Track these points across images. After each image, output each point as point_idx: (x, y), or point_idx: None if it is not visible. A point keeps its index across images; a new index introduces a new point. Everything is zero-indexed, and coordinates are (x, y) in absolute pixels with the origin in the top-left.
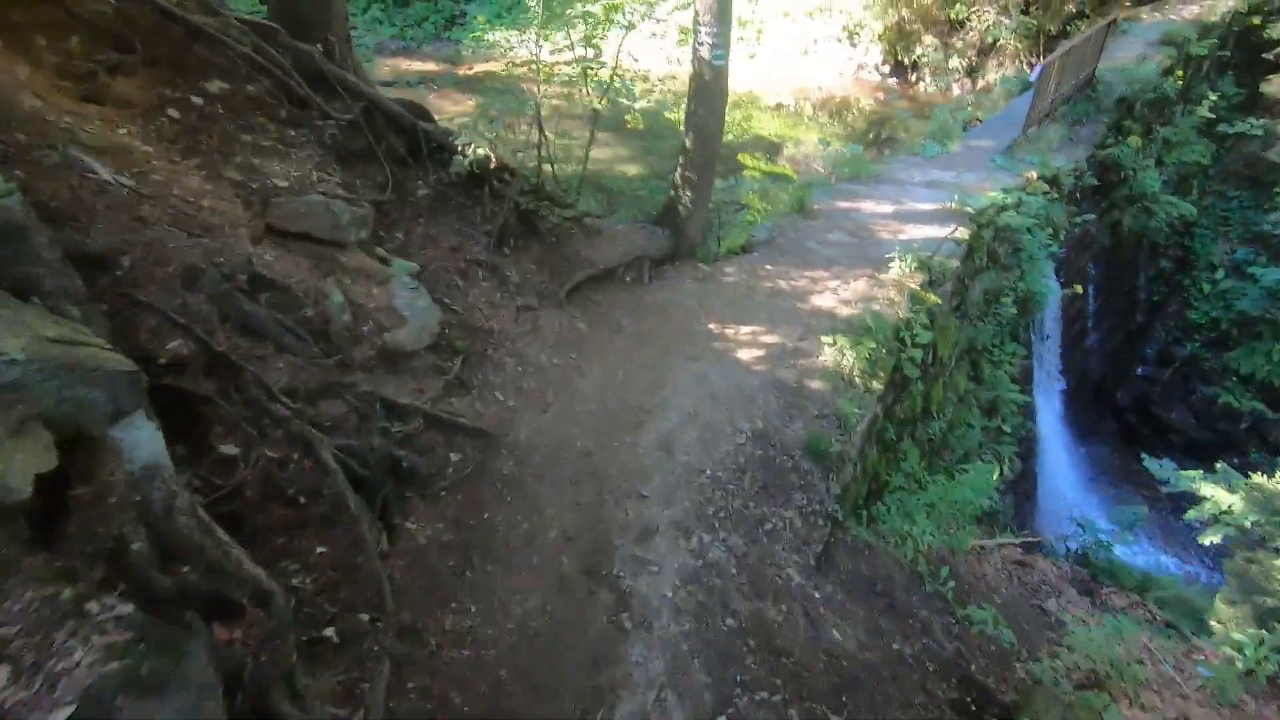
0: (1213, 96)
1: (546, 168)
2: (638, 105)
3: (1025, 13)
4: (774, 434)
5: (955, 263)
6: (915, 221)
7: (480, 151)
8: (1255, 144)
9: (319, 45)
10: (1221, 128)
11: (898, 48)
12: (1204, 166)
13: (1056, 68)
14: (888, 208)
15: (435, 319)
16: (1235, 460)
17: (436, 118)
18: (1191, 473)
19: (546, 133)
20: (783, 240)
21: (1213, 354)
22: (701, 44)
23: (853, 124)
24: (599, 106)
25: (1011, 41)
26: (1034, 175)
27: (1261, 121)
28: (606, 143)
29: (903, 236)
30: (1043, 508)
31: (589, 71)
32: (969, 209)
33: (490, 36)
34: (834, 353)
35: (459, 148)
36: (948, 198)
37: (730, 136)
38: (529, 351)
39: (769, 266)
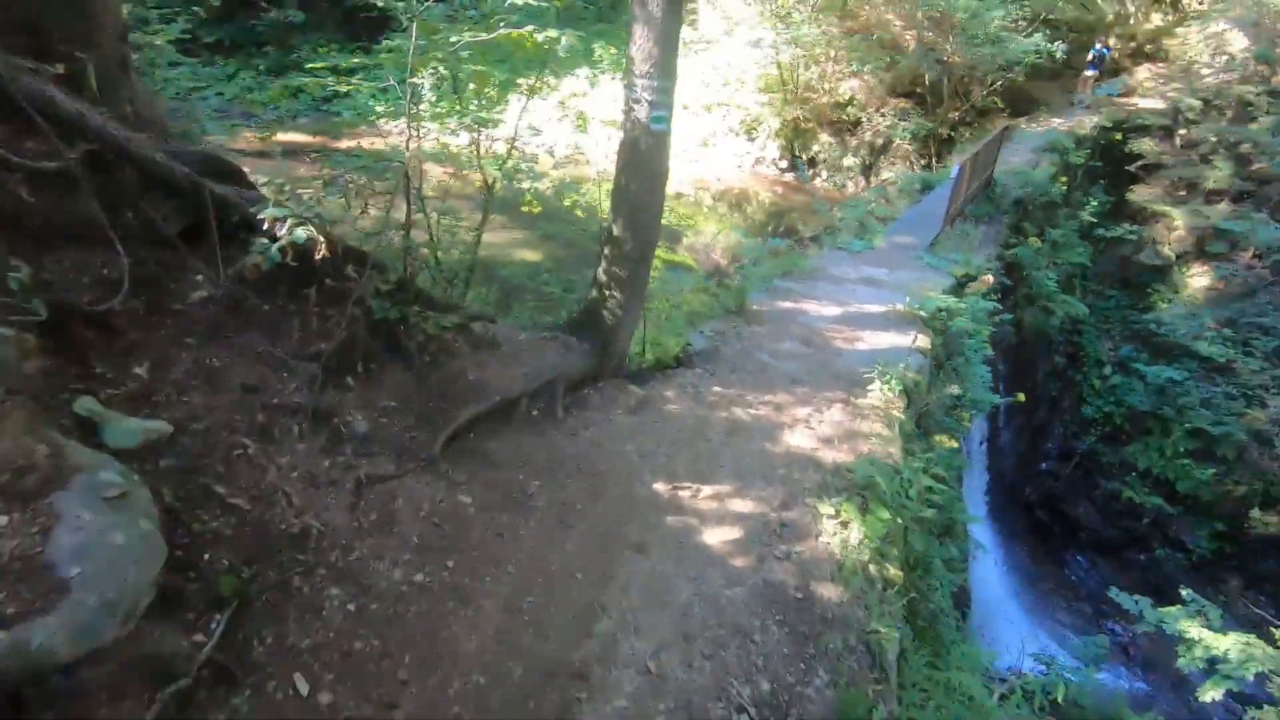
0: (1093, 202)
1: (427, 252)
2: (536, 185)
3: (920, 116)
4: (789, 704)
5: (924, 378)
6: (867, 326)
7: (302, 232)
8: (1128, 248)
9: (58, 65)
10: (1099, 231)
11: (795, 144)
12: (1085, 268)
13: (968, 169)
14: (833, 309)
15: (153, 564)
16: (1142, 556)
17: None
18: (1170, 609)
19: (428, 210)
20: (727, 350)
21: (1109, 449)
22: (638, 102)
23: (752, 215)
24: (496, 174)
25: (905, 142)
26: (968, 273)
27: (1134, 227)
28: (500, 225)
29: (861, 345)
30: (975, 621)
31: (481, 143)
32: (921, 312)
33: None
34: (836, 529)
35: (270, 225)
36: (893, 298)
37: None
38: (374, 569)
39: (719, 388)
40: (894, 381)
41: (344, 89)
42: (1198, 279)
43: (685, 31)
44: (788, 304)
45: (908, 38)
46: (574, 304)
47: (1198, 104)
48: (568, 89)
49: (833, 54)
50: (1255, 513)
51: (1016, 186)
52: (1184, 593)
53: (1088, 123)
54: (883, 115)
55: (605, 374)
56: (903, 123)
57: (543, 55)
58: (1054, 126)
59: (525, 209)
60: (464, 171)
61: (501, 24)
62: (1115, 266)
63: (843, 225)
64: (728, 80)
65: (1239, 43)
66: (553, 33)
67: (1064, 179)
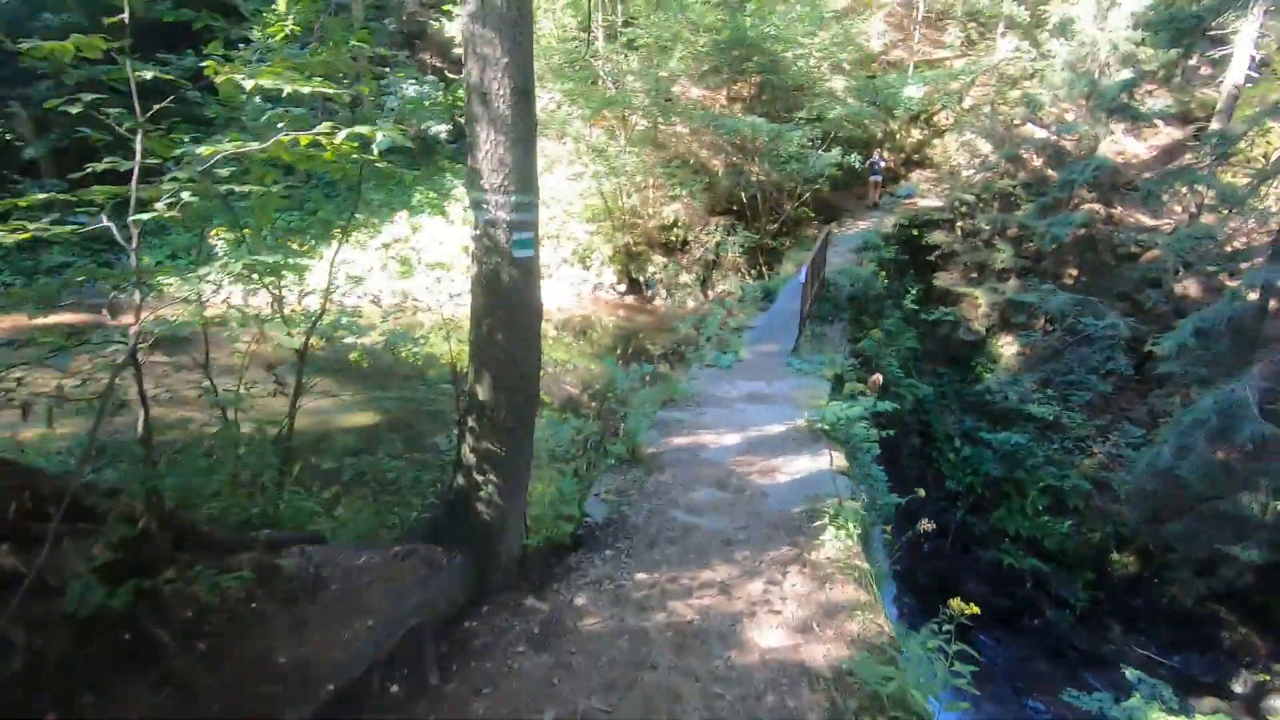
0: (912, 291)
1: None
2: (362, 341)
3: (744, 229)
4: None
5: (860, 502)
6: (777, 451)
7: None
8: (946, 327)
9: None
10: (922, 316)
11: (630, 268)
12: (916, 350)
13: (811, 273)
14: (733, 437)
15: None
16: (1035, 621)
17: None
18: (1133, 703)
19: (219, 390)
20: (635, 515)
21: (978, 519)
22: (493, 224)
23: (599, 341)
24: (295, 335)
25: (735, 255)
26: (837, 373)
27: (948, 309)
28: (326, 389)
29: (781, 478)
30: None
31: (285, 299)
32: (823, 425)
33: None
34: None
35: None
36: (788, 413)
37: (463, 365)
38: None
39: (643, 574)
40: (849, 525)
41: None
42: (1008, 347)
43: None
44: (683, 439)
45: (716, 163)
46: (430, 489)
47: (970, 198)
48: (390, 234)
49: (652, 181)
50: (1114, 556)
51: (848, 284)
52: (1129, 674)
53: (888, 222)
54: (708, 233)
55: (493, 589)
56: (730, 237)
57: (350, 168)
58: (860, 229)
59: (354, 360)
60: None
61: (281, 126)
62: (939, 346)
63: (703, 341)
64: (554, 215)
65: (985, 147)
66: (365, 129)
67: (883, 273)
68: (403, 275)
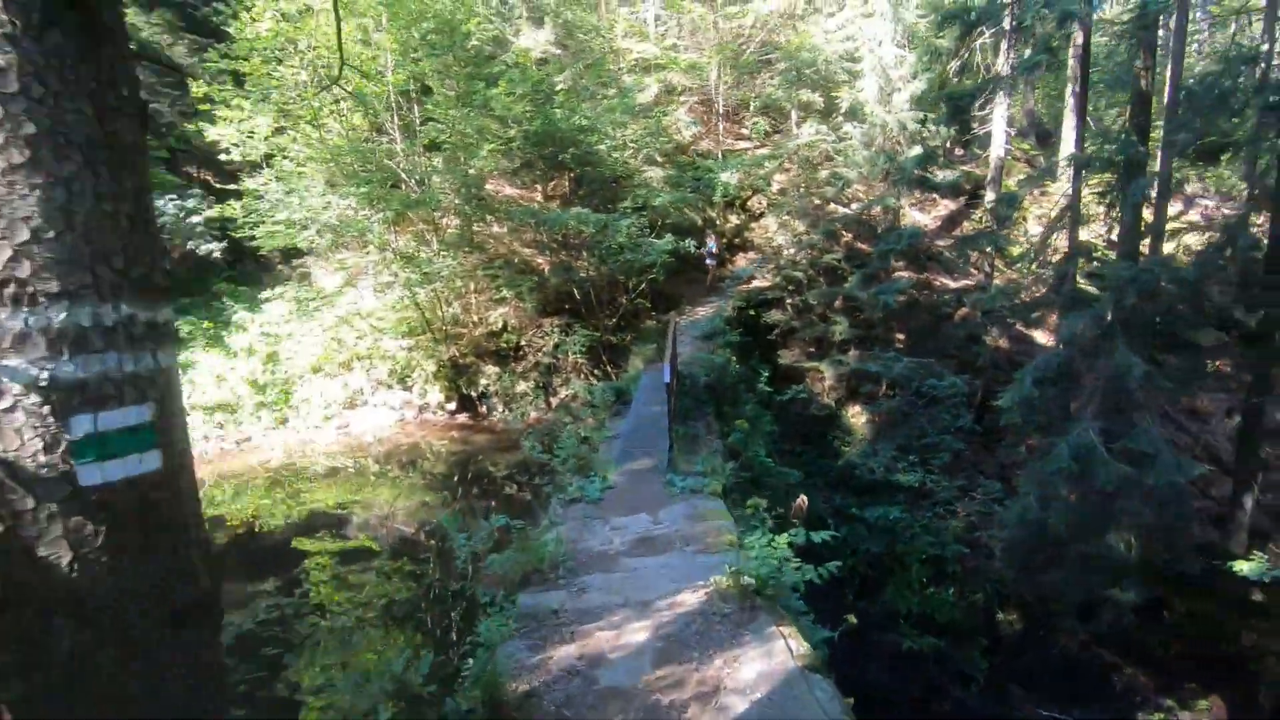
0: (764, 373)
1: None
2: None
3: (581, 327)
4: None
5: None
6: (705, 648)
7: None
8: (799, 404)
9: None
10: (777, 397)
11: (459, 383)
12: (774, 432)
13: (673, 369)
14: (636, 629)
15: None
16: (946, 705)
17: None
18: None
19: None
20: None
21: (869, 602)
22: None
23: (432, 470)
24: None
25: (576, 357)
26: (725, 484)
27: (800, 387)
28: None
29: (733, 707)
30: None
31: None
32: (751, 582)
33: None
34: None
35: None
36: (697, 569)
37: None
38: None
39: None
40: None
41: None
42: (858, 417)
43: (295, 289)
44: (566, 650)
45: (541, 262)
46: None
47: (800, 275)
48: None
49: (473, 286)
50: (1000, 616)
51: (703, 375)
52: None
53: (726, 306)
54: (543, 335)
55: None
56: (567, 337)
57: None
58: (702, 315)
59: None
60: None
61: None
62: (793, 424)
63: (559, 465)
64: (362, 333)
65: (802, 226)
66: None
67: (733, 358)
68: None
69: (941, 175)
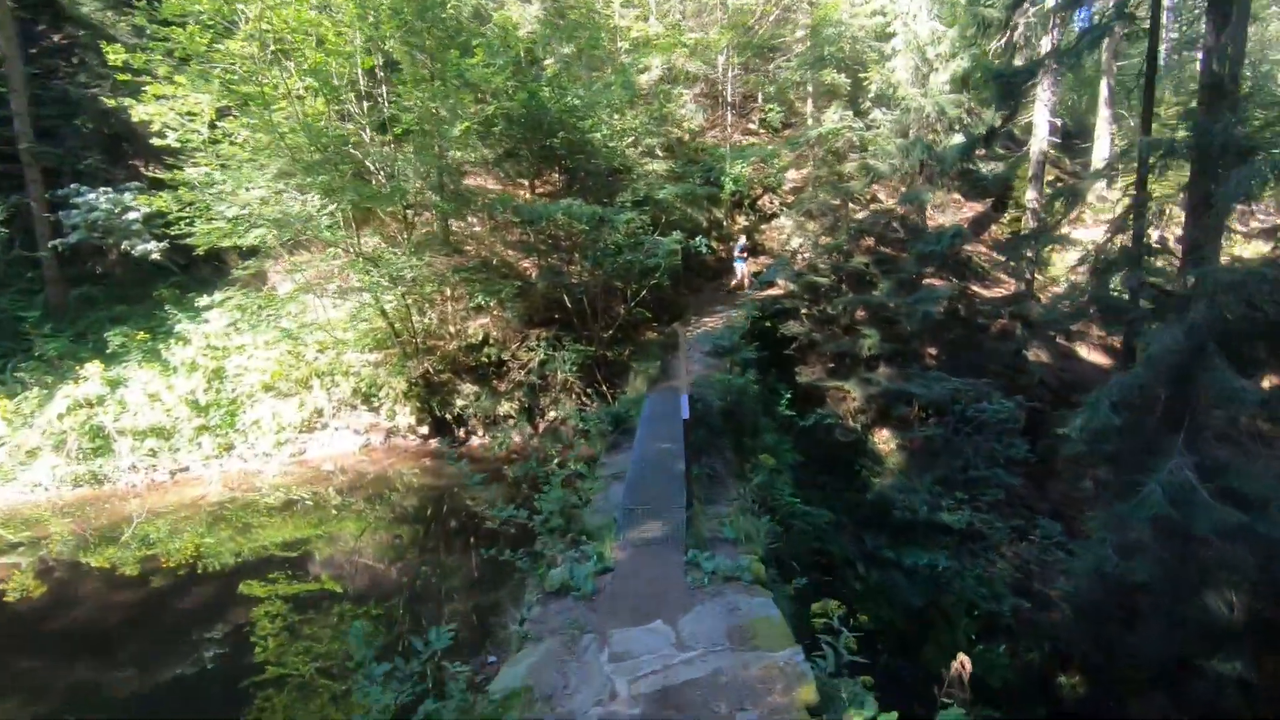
0: (785, 395)
1: None
2: None
3: (573, 341)
4: None
5: None
6: None
7: None
8: (821, 431)
9: None
10: (800, 422)
11: (432, 403)
12: (796, 464)
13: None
14: None
15: None
16: None
17: None
18: None
19: None
20: None
21: (908, 663)
22: None
23: (400, 502)
24: None
25: (567, 375)
26: (761, 559)
27: (825, 410)
28: None
29: None
30: None
31: None
32: None
33: None
34: None
35: None
36: None
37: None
38: None
39: None
40: None
41: None
42: (886, 444)
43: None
44: None
45: (527, 265)
46: None
47: (825, 281)
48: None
49: (449, 292)
50: (1061, 679)
51: (717, 399)
52: None
53: (736, 317)
54: (529, 349)
55: None
56: (557, 352)
57: None
58: (710, 327)
59: None
60: None
61: None
62: (814, 451)
63: (541, 528)
64: (323, 345)
65: (822, 226)
66: None
67: (749, 375)
68: (95, 452)
69: (988, 168)
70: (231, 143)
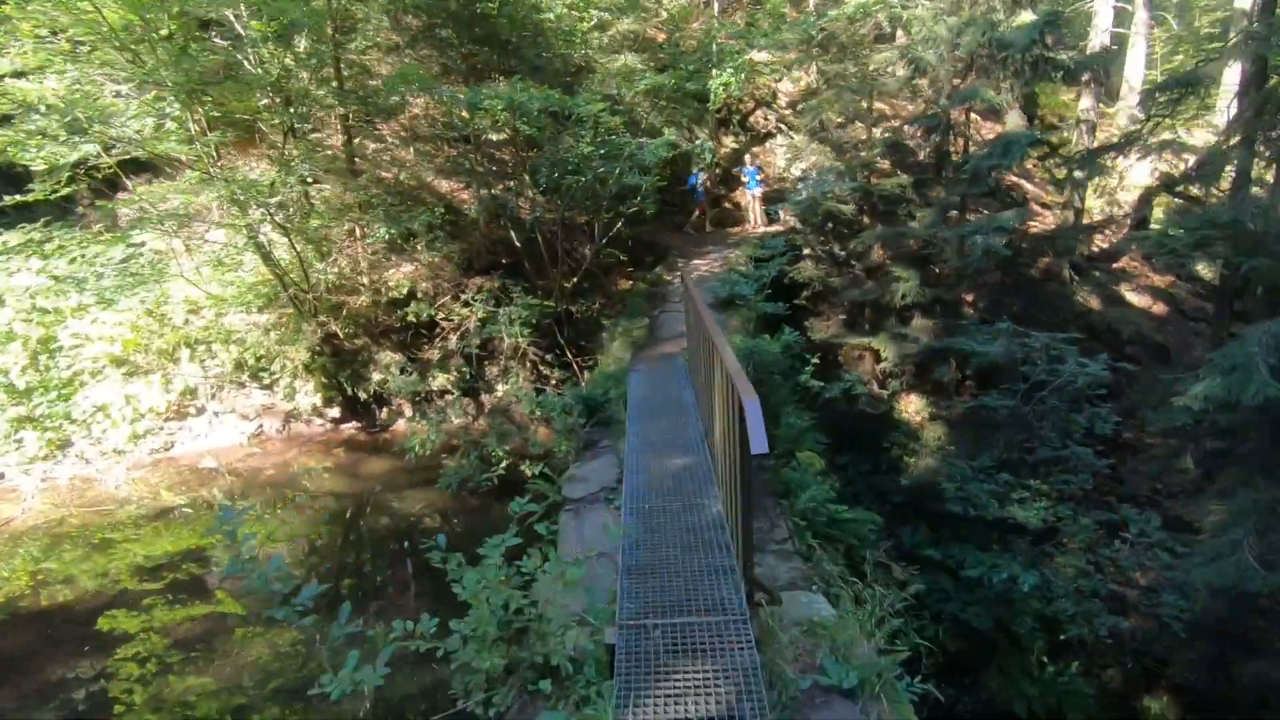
0: (810, 362)
1: None
2: None
3: (525, 293)
4: None
5: None
6: None
7: None
8: (844, 400)
9: None
10: (825, 394)
11: (342, 378)
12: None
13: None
14: None
15: None
16: None
17: None
18: None
19: None
20: None
21: (962, 690)
22: None
23: (311, 506)
24: None
25: (515, 338)
26: None
27: (850, 376)
28: None
29: None
30: None
31: None
32: None
33: None
34: None
35: None
36: None
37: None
38: None
39: None
40: None
41: None
42: (918, 415)
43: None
44: None
45: (466, 196)
46: None
47: (846, 209)
48: None
49: (357, 231)
50: (1147, 703)
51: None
52: None
53: (735, 259)
54: (470, 303)
55: None
56: (503, 309)
57: None
58: (702, 273)
59: None
60: None
61: None
62: (833, 424)
63: (465, 655)
64: (195, 304)
65: (813, 156)
66: None
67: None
68: None
69: (1068, 56)
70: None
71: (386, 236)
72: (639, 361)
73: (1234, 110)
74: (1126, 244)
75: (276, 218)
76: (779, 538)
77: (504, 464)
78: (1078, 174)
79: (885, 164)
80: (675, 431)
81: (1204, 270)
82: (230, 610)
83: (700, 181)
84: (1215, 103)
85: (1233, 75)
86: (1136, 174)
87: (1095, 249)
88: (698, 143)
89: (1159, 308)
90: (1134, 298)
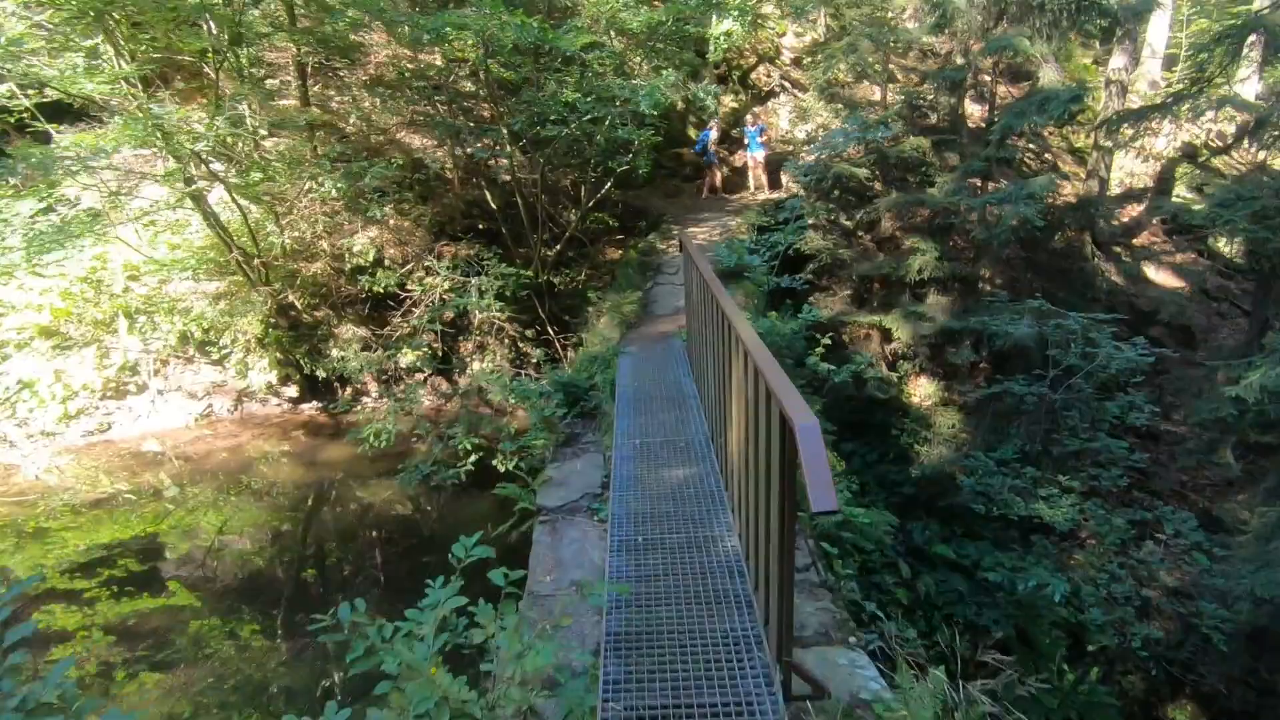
0: (820, 345)
1: None
2: None
3: (499, 261)
4: None
5: None
6: None
7: None
8: (849, 386)
9: None
10: (836, 378)
11: (298, 354)
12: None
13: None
14: None
15: None
16: None
17: None
18: None
19: None
20: None
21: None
22: None
23: (270, 492)
24: None
25: (490, 312)
26: None
27: (862, 357)
28: None
29: None
30: None
31: None
32: None
33: None
34: None
35: None
36: None
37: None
38: None
39: None
40: None
41: None
42: (929, 399)
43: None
44: None
45: (441, 154)
46: None
47: (861, 175)
48: None
49: (313, 187)
50: (1171, 711)
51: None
52: None
53: (737, 227)
54: (441, 271)
55: None
56: (475, 279)
57: None
58: (699, 241)
59: None
60: None
61: None
62: (834, 409)
63: None
64: (135, 269)
65: (823, 114)
66: None
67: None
68: None
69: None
70: None
71: (335, 193)
72: (630, 341)
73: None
74: (1148, 217)
75: (214, 168)
76: (799, 564)
77: (473, 459)
78: (1105, 141)
79: (897, 126)
80: (674, 429)
81: (1224, 246)
82: (185, 602)
83: (712, 140)
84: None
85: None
86: (1155, 144)
87: (1115, 222)
88: (700, 86)
89: (1180, 286)
90: (1155, 275)
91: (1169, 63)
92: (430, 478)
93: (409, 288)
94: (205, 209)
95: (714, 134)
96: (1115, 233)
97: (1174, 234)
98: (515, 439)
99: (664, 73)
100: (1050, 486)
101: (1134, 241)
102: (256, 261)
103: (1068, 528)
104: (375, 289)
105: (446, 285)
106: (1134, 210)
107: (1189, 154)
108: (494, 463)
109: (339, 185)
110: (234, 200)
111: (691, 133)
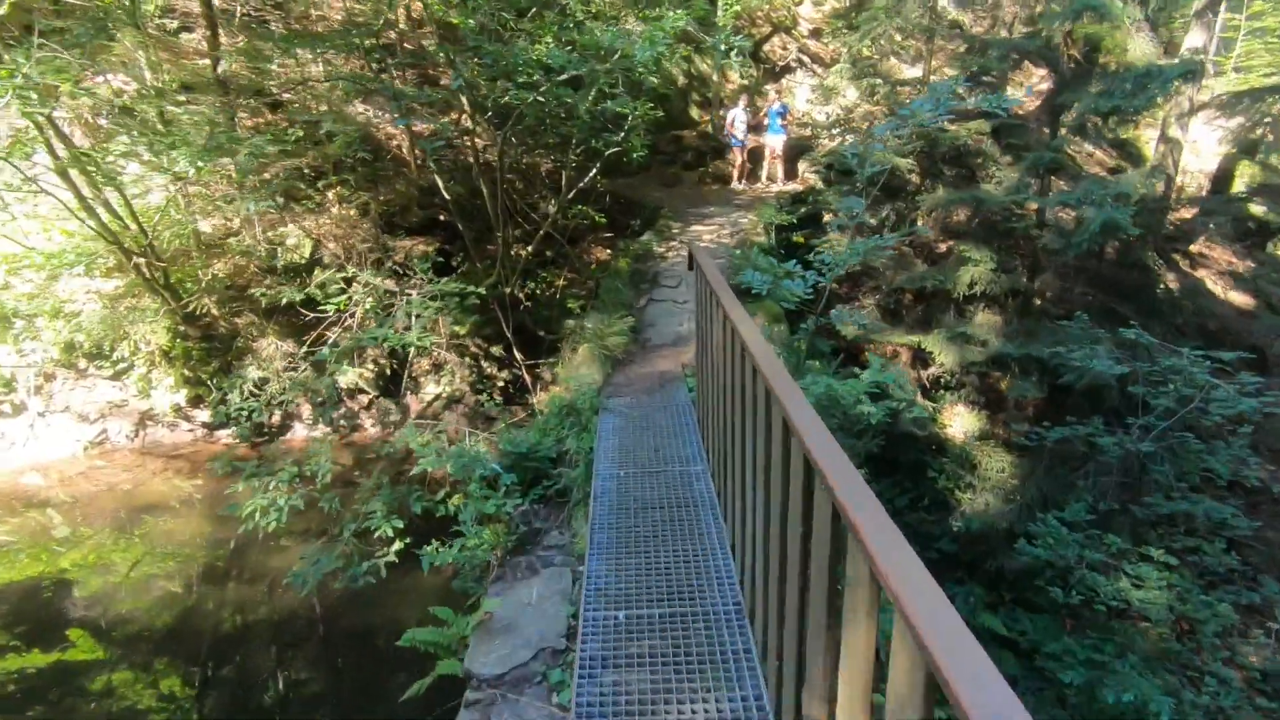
0: (860, 377)
1: None
2: None
3: (464, 260)
4: None
5: None
6: None
7: None
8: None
9: None
10: (860, 410)
11: (208, 373)
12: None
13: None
14: None
15: None
16: None
17: None
18: None
19: None
20: None
21: None
22: None
23: (166, 528)
24: None
25: (428, 339)
26: None
27: (904, 394)
28: None
29: None
30: None
31: None
32: None
33: None
34: None
35: None
36: None
37: None
38: None
39: None
40: None
41: None
42: (967, 435)
43: None
44: None
45: (398, 133)
46: None
47: (905, 163)
48: None
49: (232, 165)
50: None
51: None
52: None
53: (749, 225)
54: (384, 274)
55: None
56: (405, 295)
57: None
58: (705, 243)
59: None
60: None
61: None
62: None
63: None
64: (14, 260)
65: (851, 93)
66: None
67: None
68: None
69: None
70: None
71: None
72: (616, 388)
73: None
74: (1205, 220)
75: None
76: None
77: (397, 546)
78: (1175, 132)
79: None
80: (678, 566)
81: None
82: (86, 656)
83: (744, 119)
84: None
85: None
86: (1204, 141)
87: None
88: (720, 37)
89: (1243, 299)
90: (1214, 287)
91: (1220, 47)
92: (336, 575)
93: (352, 292)
94: (77, 190)
95: (742, 114)
96: (1169, 238)
97: (1236, 240)
98: (446, 544)
99: (669, 14)
100: (1138, 561)
101: (1191, 249)
102: (141, 260)
103: (1163, 616)
104: (315, 294)
105: (368, 303)
106: (1187, 213)
107: (1246, 149)
108: (425, 550)
109: (249, 156)
110: (91, 179)
111: (694, 112)
